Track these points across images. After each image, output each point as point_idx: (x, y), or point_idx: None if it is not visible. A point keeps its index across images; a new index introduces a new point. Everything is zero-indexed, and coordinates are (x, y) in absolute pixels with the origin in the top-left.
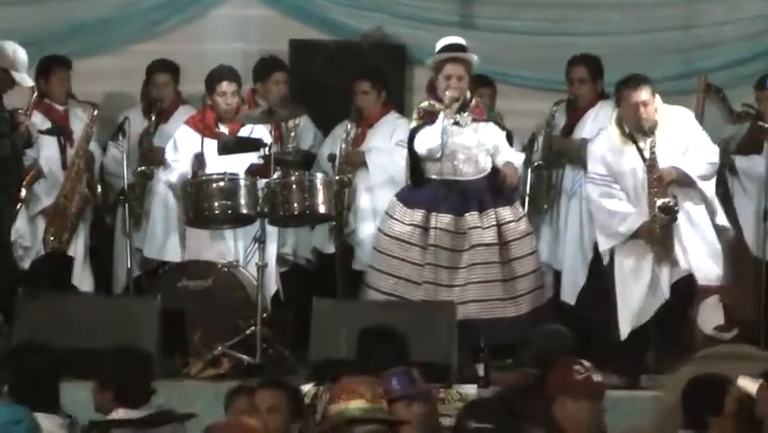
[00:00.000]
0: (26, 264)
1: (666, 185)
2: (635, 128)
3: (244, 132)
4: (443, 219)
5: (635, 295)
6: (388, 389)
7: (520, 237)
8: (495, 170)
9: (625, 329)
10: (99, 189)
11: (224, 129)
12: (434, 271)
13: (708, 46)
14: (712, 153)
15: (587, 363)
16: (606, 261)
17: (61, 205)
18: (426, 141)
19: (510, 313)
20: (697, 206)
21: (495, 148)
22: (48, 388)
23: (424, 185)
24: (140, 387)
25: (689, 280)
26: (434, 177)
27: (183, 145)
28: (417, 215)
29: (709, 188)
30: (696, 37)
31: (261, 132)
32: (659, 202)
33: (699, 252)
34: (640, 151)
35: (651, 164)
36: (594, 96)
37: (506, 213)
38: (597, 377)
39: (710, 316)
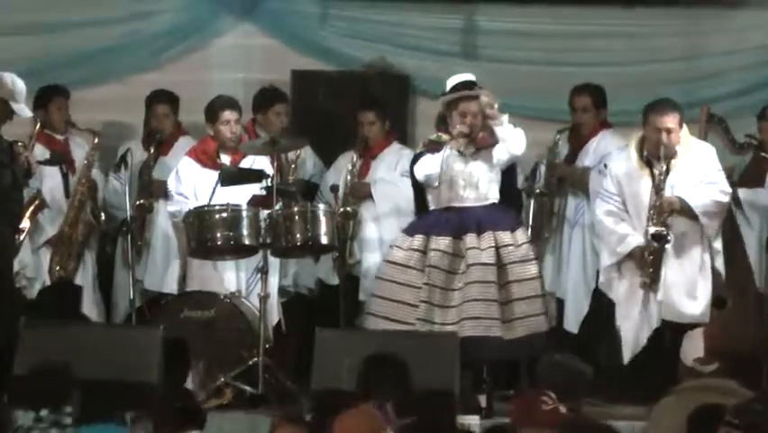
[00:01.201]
0: (30, 295)
1: (666, 213)
2: (654, 153)
3: (246, 163)
4: (441, 241)
5: (632, 319)
6: None
7: (519, 261)
8: (500, 199)
9: (626, 354)
10: (103, 217)
11: (225, 159)
12: (429, 291)
13: (710, 76)
14: (722, 193)
15: (553, 395)
16: (605, 277)
17: (66, 234)
18: (426, 167)
19: (506, 336)
20: (693, 242)
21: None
22: None
23: (425, 214)
24: None
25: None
26: (434, 206)
27: (186, 177)
28: (417, 240)
29: (712, 226)
30: (699, 67)
31: (263, 163)
32: (652, 230)
33: (679, 288)
34: (653, 176)
35: (657, 190)
36: (597, 125)
37: (505, 237)
38: (563, 409)
39: (692, 347)
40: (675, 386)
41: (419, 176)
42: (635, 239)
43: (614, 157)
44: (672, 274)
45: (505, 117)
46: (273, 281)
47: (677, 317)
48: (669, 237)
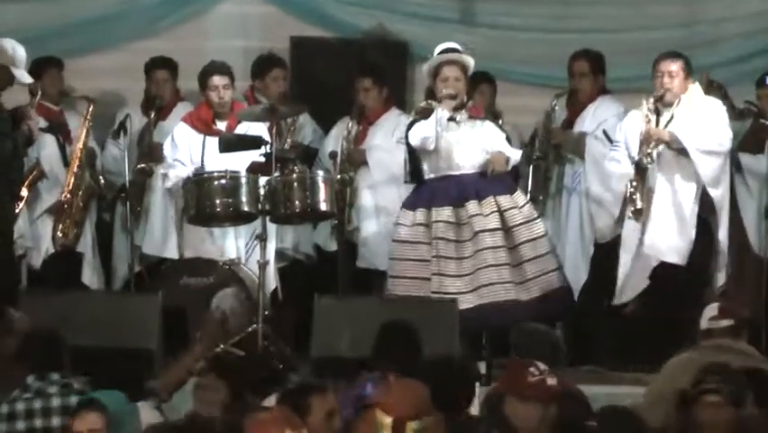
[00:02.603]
0: (34, 262)
1: (653, 143)
2: (659, 99)
3: (241, 129)
4: (443, 212)
5: (626, 261)
6: (361, 394)
7: (524, 222)
8: None
9: (617, 296)
10: (103, 182)
11: (220, 125)
12: (439, 262)
13: (709, 43)
14: (720, 136)
15: (542, 366)
16: (600, 235)
17: (66, 201)
18: (420, 132)
19: (522, 297)
20: (684, 183)
21: (491, 147)
22: None
23: (422, 185)
24: None
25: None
26: (431, 175)
27: (181, 143)
28: (419, 214)
29: (706, 165)
30: (697, 34)
31: (259, 129)
32: (636, 158)
33: (667, 228)
34: (657, 122)
35: (647, 121)
36: (595, 91)
37: (505, 201)
38: (551, 381)
39: (705, 313)
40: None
41: (414, 142)
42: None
43: (629, 113)
44: (659, 215)
45: (514, 158)
46: (270, 248)
47: (657, 253)
48: (647, 163)
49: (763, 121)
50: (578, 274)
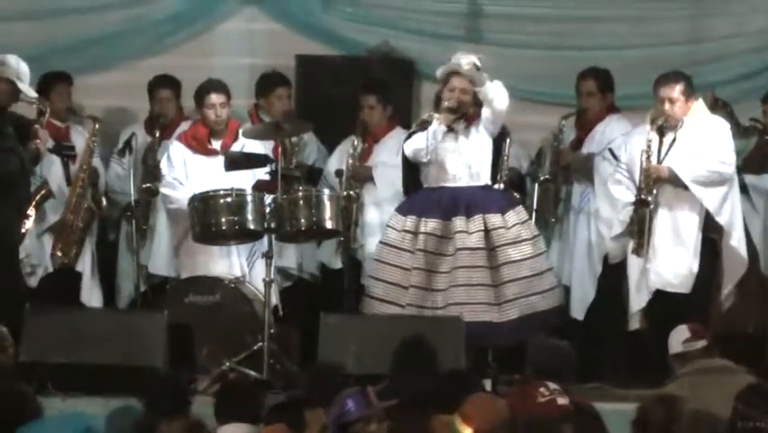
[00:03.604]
0: (33, 282)
1: (653, 180)
2: (658, 123)
3: (236, 147)
4: (430, 224)
5: (631, 287)
6: (343, 412)
7: (510, 243)
8: (491, 180)
9: (632, 322)
10: (104, 203)
11: (216, 144)
12: (419, 274)
13: (714, 60)
14: (718, 161)
15: (552, 386)
16: (613, 255)
17: (68, 220)
18: (414, 143)
19: (496, 319)
20: (687, 212)
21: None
22: None
23: (418, 193)
24: None
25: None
26: (427, 184)
27: (177, 162)
28: (409, 221)
29: (708, 195)
30: (702, 51)
31: (256, 147)
32: (637, 195)
33: (672, 259)
34: (660, 144)
35: (647, 157)
36: (603, 110)
37: (495, 219)
38: (561, 400)
39: (675, 337)
40: (667, 378)
41: (408, 152)
42: None
43: (633, 131)
44: (659, 242)
45: (485, 75)
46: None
47: (663, 285)
48: (649, 202)
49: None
50: (585, 293)
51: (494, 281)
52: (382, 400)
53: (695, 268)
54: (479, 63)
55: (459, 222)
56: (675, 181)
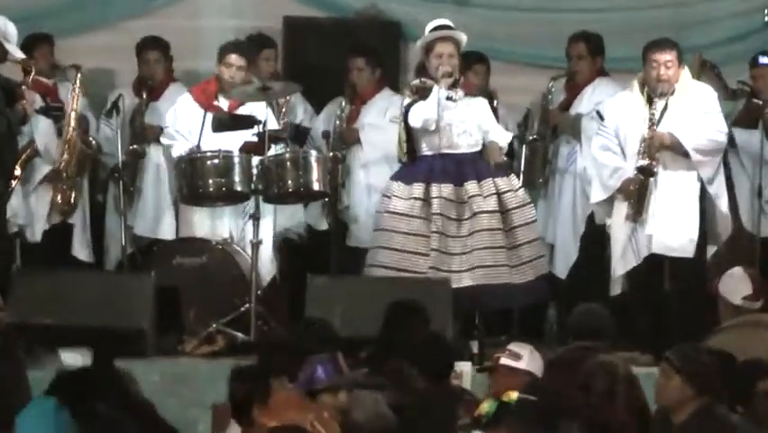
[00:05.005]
0: (33, 239)
1: (656, 148)
2: (653, 89)
3: (243, 110)
4: (444, 189)
5: (619, 251)
6: (313, 378)
7: (520, 206)
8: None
9: (614, 287)
10: (95, 144)
11: (223, 103)
12: (439, 239)
13: (701, 23)
14: (717, 131)
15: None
16: (599, 218)
17: (62, 168)
18: (422, 113)
19: (516, 280)
20: (686, 178)
21: (484, 125)
22: None
23: (417, 161)
24: None
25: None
26: (429, 152)
27: (183, 114)
28: (416, 189)
29: (706, 164)
30: (689, 14)
31: (258, 110)
32: (639, 162)
33: (670, 222)
34: (650, 112)
35: (650, 125)
36: (593, 73)
37: (503, 183)
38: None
39: (737, 286)
40: (720, 324)
41: (416, 123)
42: (627, 172)
43: (616, 96)
44: (660, 208)
45: (504, 145)
46: (266, 229)
47: (665, 250)
48: (655, 171)
49: (756, 101)
50: (569, 253)
51: (510, 244)
52: (353, 369)
53: (696, 233)
54: (452, 24)
55: (471, 186)
56: (676, 148)
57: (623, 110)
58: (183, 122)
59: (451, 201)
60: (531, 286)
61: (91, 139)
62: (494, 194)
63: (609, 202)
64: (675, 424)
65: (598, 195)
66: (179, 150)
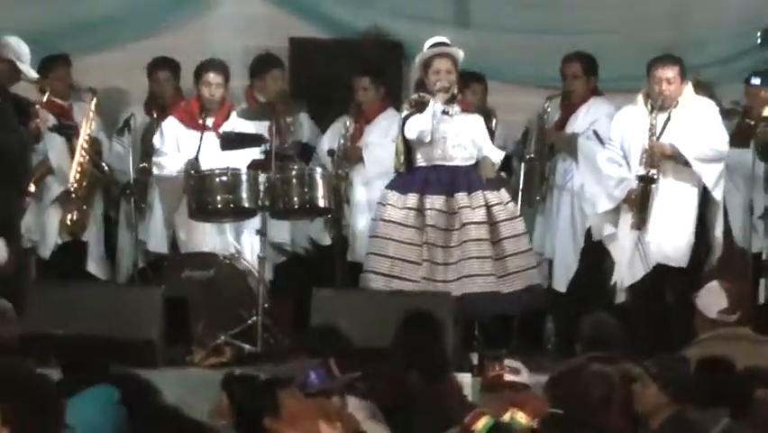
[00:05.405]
0: (44, 255)
1: (657, 157)
2: (655, 102)
3: (228, 126)
4: (437, 200)
5: (624, 261)
6: (305, 383)
7: (508, 219)
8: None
9: (620, 295)
10: (107, 169)
11: (208, 121)
12: (430, 250)
13: (696, 43)
14: (718, 141)
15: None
16: (598, 224)
17: (73, 190)
18: (417, 125)
19: (504, 289)
20: (687, 188)
21: (478, 141)
22: None
23: (413, 172)
24: None
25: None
26: (423, 163)
27: (168, 135)
28: (411, 199)
29: (708, 172)
30: (685, 35)
31: (247, 126)
32: (639, 171)
33: (668, 231)
34: (651, 123)
35: (650, 135)
36: (587, 92)
37: (493, 196)
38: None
39: (713, 300)
40: (694, 338)
41: (411, 135)
42: (632, 183)
43: (622, 110)
44: (661, 217)
45: (497, 163)
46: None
47: (663, 259)
48: (655, 179)
49: (748, 120)
50: (568, 266)
51: (497, 255)
52: (344, 374)
53: (691, 243)
54: (449, 42)
55: (461, 197)
56: (677, 157)
57: (628, 122)
58: (169, 143)
59: (443, 212)
60: (519, 295)
61: (103, 164)
62: (483, 206)
63: (610, 215)
64: (651, 429)
65: (604, 205)
66: (173, 165)
